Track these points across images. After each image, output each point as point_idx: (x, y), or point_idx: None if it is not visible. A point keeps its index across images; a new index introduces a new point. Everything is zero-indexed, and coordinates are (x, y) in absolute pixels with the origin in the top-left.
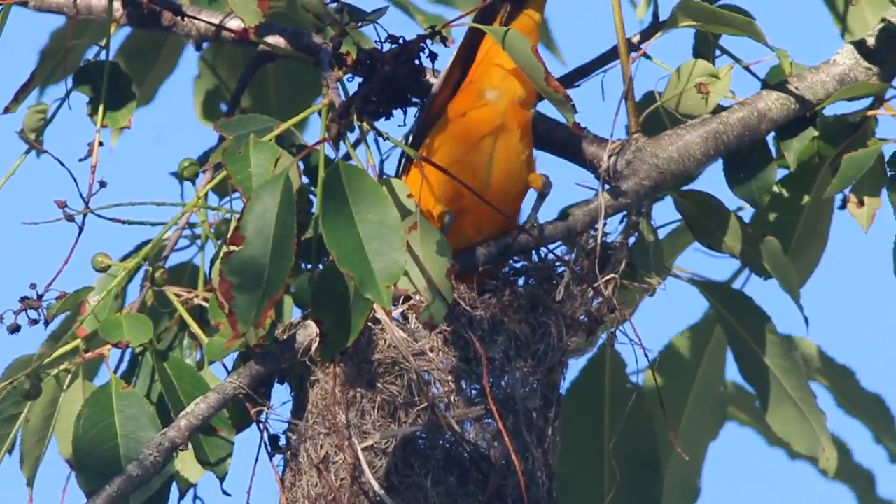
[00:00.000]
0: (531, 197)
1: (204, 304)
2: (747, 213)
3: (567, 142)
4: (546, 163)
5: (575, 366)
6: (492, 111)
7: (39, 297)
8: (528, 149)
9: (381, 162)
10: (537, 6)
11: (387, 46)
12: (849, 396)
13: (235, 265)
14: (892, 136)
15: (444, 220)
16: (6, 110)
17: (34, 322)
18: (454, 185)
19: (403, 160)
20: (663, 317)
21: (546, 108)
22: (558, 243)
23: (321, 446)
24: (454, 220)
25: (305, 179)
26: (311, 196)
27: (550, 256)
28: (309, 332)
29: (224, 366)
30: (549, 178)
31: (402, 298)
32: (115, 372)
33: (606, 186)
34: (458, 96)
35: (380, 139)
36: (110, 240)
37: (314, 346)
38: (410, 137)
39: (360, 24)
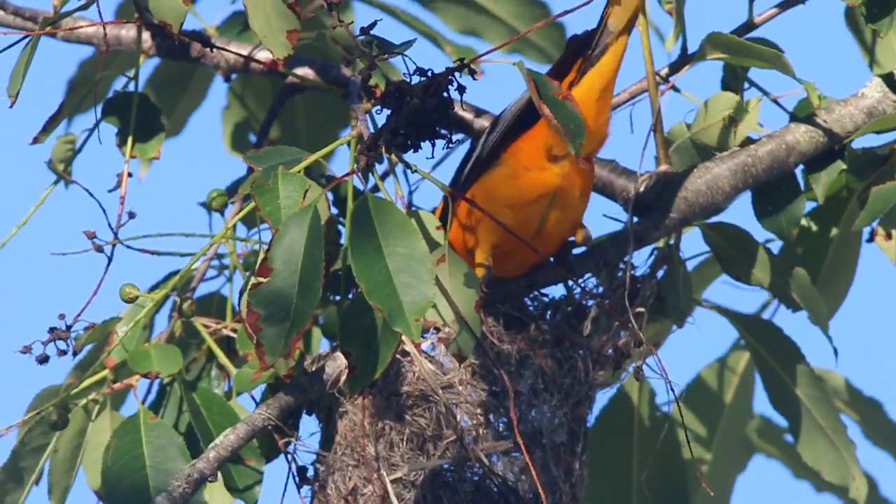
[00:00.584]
0: None
1: (232, 334)
2: (775, 245)
3: (596, 175)
4: None
5: (604, 396)
6: (553, 175)
7: (68, 327)
8: (585, 203)
9: (410, 194)
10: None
11: (416, 79)
12: (877, 428)
13: (263, 297)
14: None
15: (483, 272)
16: (35, 141)
17: (63, 353)
18: (497, 235)
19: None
20: (692, 348)
21: None
22: (587, 276)
23: (350, 478)
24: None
25: (334, 211)
26: (340, 227)
27: (579, 289)
28: (338, 364)
29: (252, 397)
30: (590, 231)
31: (431, 331)
32: (143, 402)
33: (635, 219)
34: (521, 147)
35: (408, 171)
36: (139, 270)
37: (343, 377)
38: (464, 171)
39: (388, 56)
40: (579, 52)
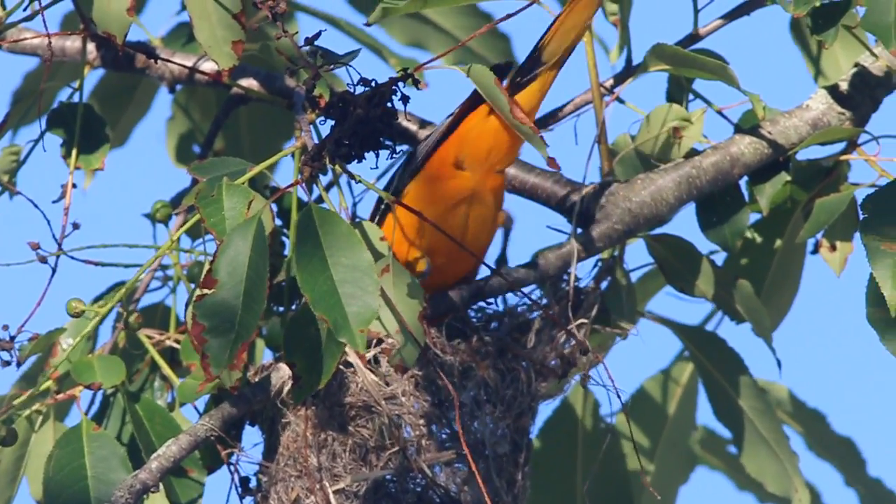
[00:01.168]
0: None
1: (176, 345)
2: (720, 257)
3: (540, 186)
4: (519, 206)
5: (548, 407)
6: (464, 182)
7: (12, 338)
8: (499, 207)
9: (354, 205)
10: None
11: (360, 89)
12: (820, 440)
13: (208, 308)
14: (865, 180)
15: (424, 267)
16: None
17: (6, 363)
18: (430, 236)
19: (382, 206)
20: (636, 360)
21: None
22: (531, 287)
23: (292, 489)
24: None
25: (278, 222)
26: (284, 238)
27: (522, 300)
28: (281, 375)
29: (195, 407)
30: (509, 213)
31: (374, 342)
32: (86, 413)
33: (579, 230)
34: (435, 158)
35: (352, 182)
36: (83, 281)
37: (286, 388)
38: (393, 183)
39: (333, 66)
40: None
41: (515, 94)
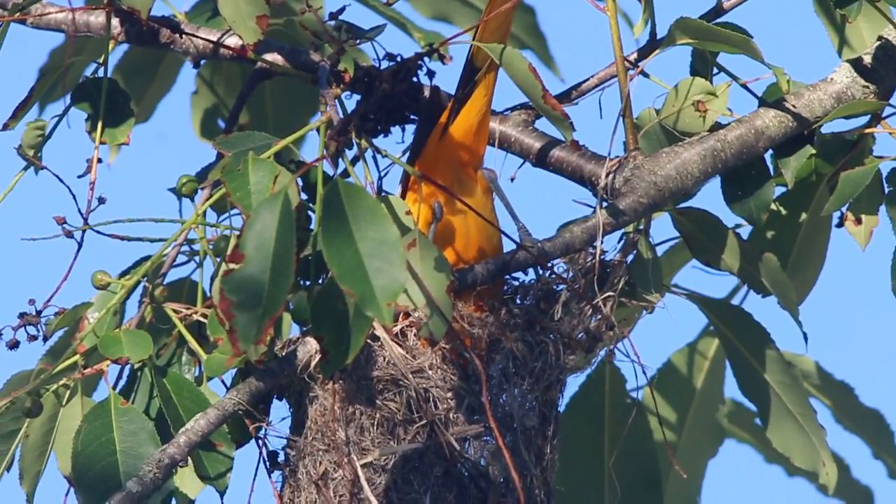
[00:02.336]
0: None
1: (203, 320)
2: (745, 230)
3: (565, 159)
4: (544, 180)
5: (574, 382)
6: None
7: (38, 312)
8: (482, 184)
9: (380, 179)
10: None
11: (385, 64)
12: (848, 413)
13: (235, 283)
14: (890, 153)
15: (434, 211)
16: (5, 127)
17: (33, 338)
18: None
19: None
20: (662, 334)
21: (544, 125)
22: (557, 260)
23: (320, 463)
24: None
25: (304, 196)
26: (310, 213)
27: (549, 274)
28: (308, 349)
29: (223, 381)
30: (487, 169)
31: (401, 315)
32: (114, 388)
33: (604, 204)
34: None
35: (378, 156)
36: (109, 256)
37: (313, 362)
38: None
39: (358, 41)
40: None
41: (461, 106)
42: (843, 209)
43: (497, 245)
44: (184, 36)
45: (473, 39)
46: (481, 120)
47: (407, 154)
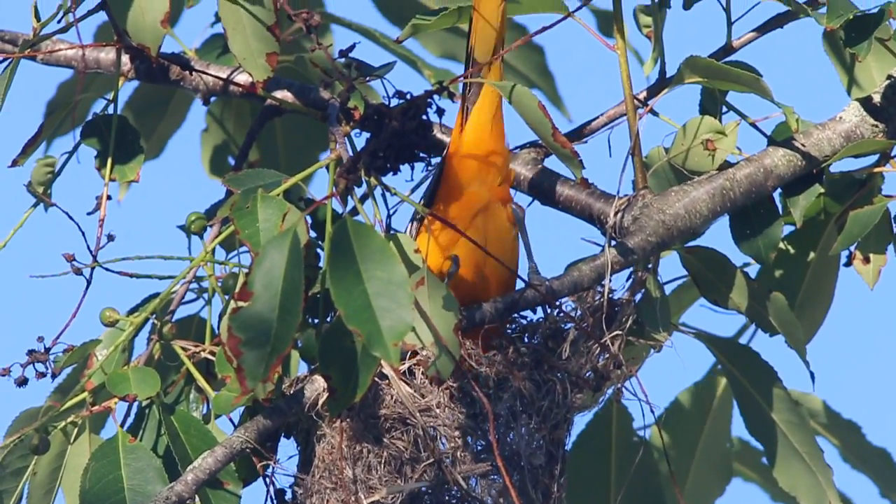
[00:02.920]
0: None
1: (211, 357)
2: (753, 269)
3: (574, 198)
4: (553, 218)
5: (581, 420)
6: (477, 194)
7: (47, 350)
8: (510, 218)
9: (389, 217)
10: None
11: (394, 101)
12: (855, 452)
13: (244, 321)
14: None
15: (450, 266)
16: (14, 163)
17: (41, 375)
18: (459, 249)
19: (414, 223)
20: (670, 372)
21: (553, 163)
22: (565, 299)
23: (327, 501)
24: (460, 275)
25: (313, 234)
26: (319, 251)
27: (557, 312)
28: (316, 387)
29: (230, 419)
30: (517, 205)
31: (408, 353)
32: (121, 425)
33: (613, 242)
34: (443, 184)
35: (387, 194)
36: (118, 293)
37: (321, 400)
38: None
39: (367, 79)
40: None
41: (471, 107)
42: (852, 248)
43: (512, 279)
44: (194, 73)
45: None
46: (494, 114)
47: (419, 189)
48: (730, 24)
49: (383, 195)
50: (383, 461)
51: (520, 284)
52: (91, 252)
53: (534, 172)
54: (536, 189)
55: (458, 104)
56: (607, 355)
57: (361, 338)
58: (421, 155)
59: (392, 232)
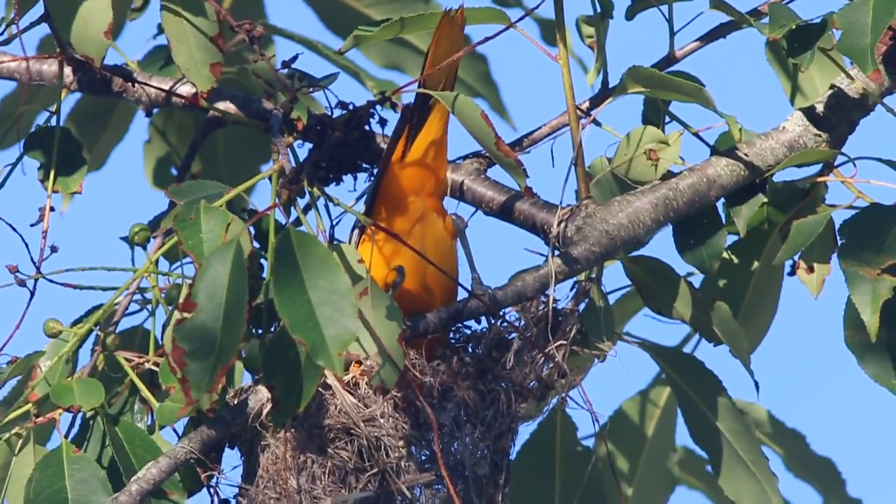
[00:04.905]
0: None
1: (155, 368)
2: (697, 278)
3: (516, 208)
4: (496, 228)
5: (526, 429)
6: (414, 204)
7: None
8: (449, 229)
9: (332, 227)
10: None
11: (337, 112)
12: (799, 460)
13: (188, 332)
14: (842, 202)
15: (396, 277)
16: None
17: None
18: (401, 259)
19: (356, 231)
20: (614, 382)
21: (497, 173)
22: (509, 309)
23: None
24: (403, 285)
25: (256, 245)
26: (262, 261)
27: (501, 322)
28: (260, 398)
29: (174, 430)
30: (457, 216)
31: (353, 363)
32: (66, 436)
33: (556, 252)
34: (382, 194)
35: (330, 205)
36: (61, 304)
37: (265, 411)
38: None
39: (310, 89)
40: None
41: (417, 131)
42: (796, 258)
43: (454, 289)
44: (136, 85)
45: (422, 74)
46: (439, 142)
47: (362, 200)
48: (672, 34)
49: (326, 206)
50: (328, 471)
51: (463, 294)
52: (34, 263)
53: (477, 183)
54: (479, 199)
55: (401, 114)
56: (551, 365)
57: (306, 347)
58: (363, 165)
59: (335, 242)
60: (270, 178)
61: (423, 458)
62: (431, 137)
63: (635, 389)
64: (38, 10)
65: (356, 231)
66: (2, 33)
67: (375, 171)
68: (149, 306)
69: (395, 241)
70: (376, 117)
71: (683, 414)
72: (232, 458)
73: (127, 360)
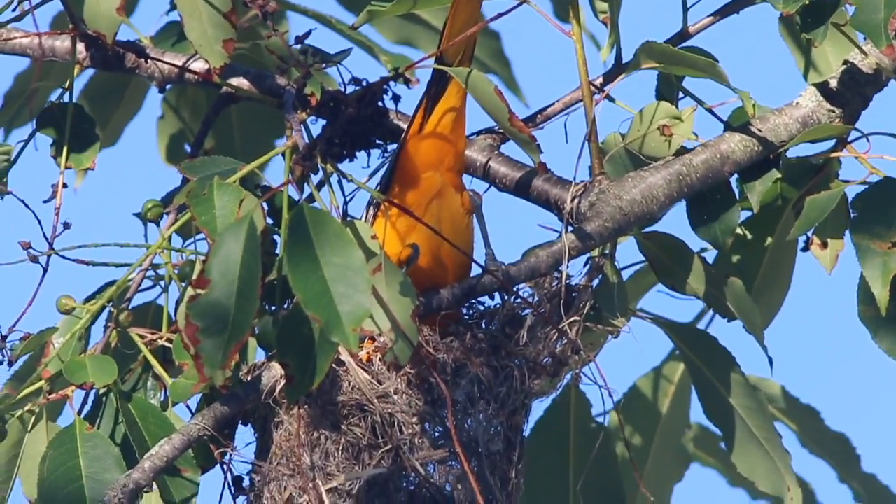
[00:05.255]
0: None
1: (168, 344)
2: (710, 254)
3: (530, 184)
4: (509, 204)
5: (540, 406)
6: (432, 180)
7: (3, 337)
8: (465, 204)
9: (345, 203)
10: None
11: (350, 88)
12: (813, 436)
13: (201, 309)
14: (855, 177)
15: (409, 251)
16: None
17: None
18: (416, 235)
19: (370, 208)
20: (628, 358)
21: (510, 149)
22: (522, 285)
23: (285, 488)
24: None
25: (269, 221)
26: (276, 237)
27: (514, 298)
28: (273, 374)
29: (188, 406)
30: (473, 192)
31: (366, 339)
32: (79, 413)
33: (570, 228)
34: (399, 170)
35: (343, 181)
36: (74, 281)
37: (278, 387)
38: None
39: (324, 65)
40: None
41: (436, 101)
42: (809, 233)
43: (468, 265)
44: (149, 61)
45: (438, 48)
46: (458, 114)
47: (375, 176)
48: (686, 9)
49: (339, 182)
50: (341, 448)
51: (477, 270)
52: (47, 240)
53: (490, 158)
54: (493, 175)
55: (419, 90)
56: (565, 341)
57: (319, 323)
58: (377, 141)
59: (349, 218)
60: (284, 155)
61: (437, 434)
62: (449, 107)
63: (649, 366)
64: None
65: (371, 208)
66: (14, 10)
67: (389, 147)
68: (162, 282)
69: (410, 217)
70: (389, 93)
71: (697, 390)
72: (245, 435)
73: (140, 336)
